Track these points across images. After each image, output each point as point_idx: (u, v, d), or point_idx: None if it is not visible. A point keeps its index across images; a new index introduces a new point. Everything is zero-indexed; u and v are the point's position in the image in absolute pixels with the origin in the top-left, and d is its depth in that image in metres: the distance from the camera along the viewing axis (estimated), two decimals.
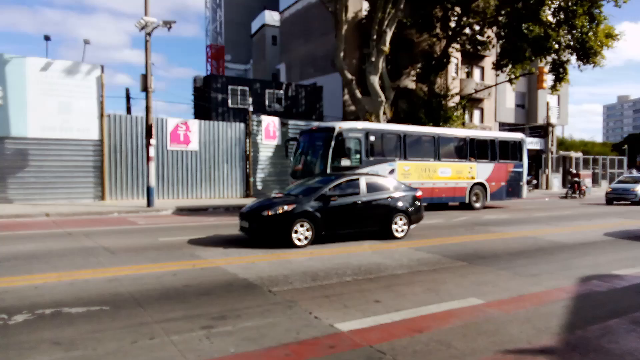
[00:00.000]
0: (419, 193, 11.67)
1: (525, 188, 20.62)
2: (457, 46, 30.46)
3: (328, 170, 14.79)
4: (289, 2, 37.59)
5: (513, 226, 13.67)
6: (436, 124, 24.17)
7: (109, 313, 5.26)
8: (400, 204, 11.01)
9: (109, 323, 4.95)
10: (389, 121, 23.15)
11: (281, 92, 29.14)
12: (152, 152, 17.15)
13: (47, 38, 20.34)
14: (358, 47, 29.37)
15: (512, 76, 28.43)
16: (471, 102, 34.54)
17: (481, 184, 19.15)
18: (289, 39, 37.93)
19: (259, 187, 22.18)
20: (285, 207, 9.52)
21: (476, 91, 33.88)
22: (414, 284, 6.78)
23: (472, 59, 35.87)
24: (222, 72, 45.75)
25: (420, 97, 27.43)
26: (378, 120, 21.81)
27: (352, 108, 26.45)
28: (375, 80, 22.26)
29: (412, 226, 11.39)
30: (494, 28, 28.77)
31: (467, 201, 18.79)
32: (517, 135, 21.22)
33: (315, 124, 19.16)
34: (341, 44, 22.14)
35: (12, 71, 17.34)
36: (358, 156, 15.85)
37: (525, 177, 20.55)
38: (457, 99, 29.78)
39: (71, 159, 18.08)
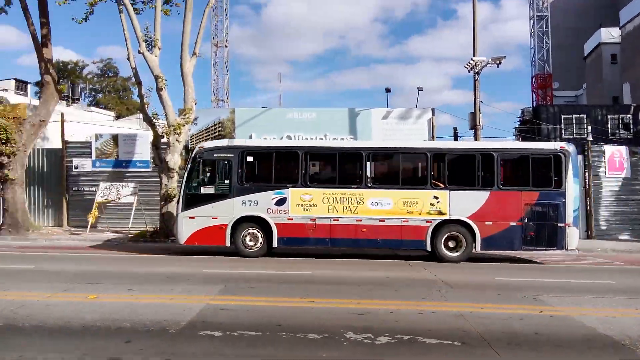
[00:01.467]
0: None
1: (570, 232, 12.00)
2: None
3: (181, 200, 12.48)
4: (633, 13, 32.34)
5: None
6: None
7: (461, 350, 5.28)
8: None
9: None
10: None
11: (628, 116, 24.96)
12: None
13: (387, 90, 23.30)
14: None
15: None
16: None
17: (461, 223, 12.14)
18: (634, 54, 32.43)
19: (603, 227, 19.19)
20: None
21: None
22: None
23: None
24: (549, 102, 42.79)
25: None
26: None
27: None
28: None
29: None
30: None
31: (428, 248, 12.23)
32: (549, 146, 13.22)
33: None
34: None
35: (361, 121, 20.44)
36: (227, 182, 12.49)
37: (570, 215, 12.02)
38: None
39: None
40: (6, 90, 32.26)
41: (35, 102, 24.12)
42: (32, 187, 18.71)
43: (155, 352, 5.08)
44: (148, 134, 18.17)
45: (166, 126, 16.18)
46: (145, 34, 16.39)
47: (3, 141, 16.21)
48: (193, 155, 12.81)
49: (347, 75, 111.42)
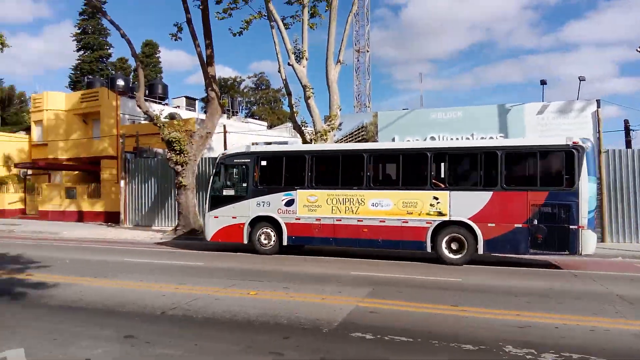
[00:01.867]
0: None
1: (585, 236, 10.75)
2: None
3: (207, 202, 14.07)
4: None
5: None
6: None
7: None
8: None
9: None
10: None
11: None
12: None
13: (542, 82, 21.29)
14: None
15: None
16: None
17: (463, 225, 11.59)
18: None
19: None
20: None
21: None
22: None
23: None
24: None
25: None
26: None
27: None
28: None
29: None
30: None
31: (428, 249, 11.92)
32: (561, 141, 11.42)
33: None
34: None
35: (513, 118, 19.05)
36: (245, 185, 13.57)
37: (584, 217, 10.75)
38: None
39: None
40: (178, 107, 36.88)
41: (202, 116, 27.13)
42: (200, 193, 21.04)
43: (311, 349, 5.32)
44: (297, 140, 19.24)
45: (313, 133, 16.95)
46: (294, 47, 17.41)
47: (177, 152, 18.55)
48: (217, 161, 14.33)
49: (494, 70, 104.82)
